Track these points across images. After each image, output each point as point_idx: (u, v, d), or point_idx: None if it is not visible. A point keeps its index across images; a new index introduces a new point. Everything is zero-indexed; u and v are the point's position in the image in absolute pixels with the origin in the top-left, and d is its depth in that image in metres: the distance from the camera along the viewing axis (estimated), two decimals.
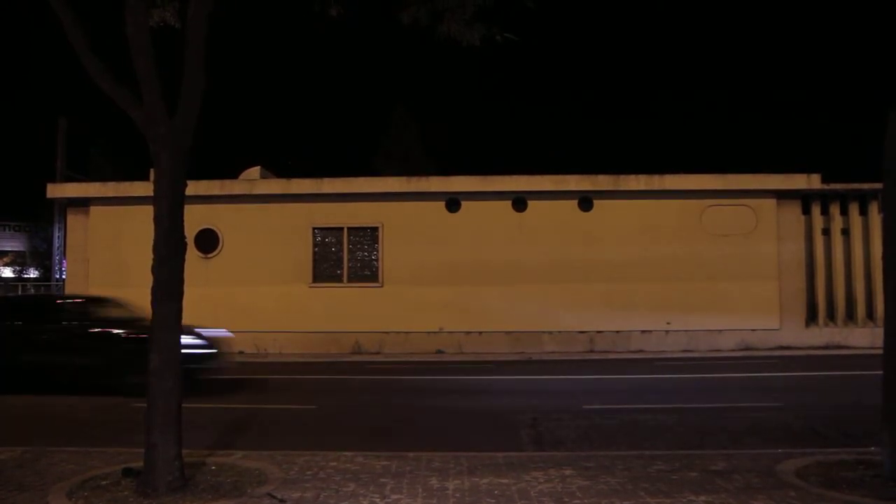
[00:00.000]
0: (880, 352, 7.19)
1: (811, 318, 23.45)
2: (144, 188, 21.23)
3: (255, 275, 23.46)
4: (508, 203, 23.47)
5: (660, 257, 22.82)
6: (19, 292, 30.77)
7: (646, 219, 23.15)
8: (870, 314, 23.20)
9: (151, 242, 6.88)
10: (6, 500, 6.53)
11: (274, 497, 6.45)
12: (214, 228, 23.72)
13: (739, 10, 68.70)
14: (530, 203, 23.45)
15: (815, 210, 23.70)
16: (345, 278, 23.62)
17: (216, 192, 23.44)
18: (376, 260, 23.61)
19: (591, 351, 22.42)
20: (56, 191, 25.70)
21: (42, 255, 54.36)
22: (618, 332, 22.70)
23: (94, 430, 10.36)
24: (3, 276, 56.72)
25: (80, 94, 61.98)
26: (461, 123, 64.88)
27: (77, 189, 25.72)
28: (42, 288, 36.17)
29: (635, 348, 22.51)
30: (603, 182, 23.17)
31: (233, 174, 25.65)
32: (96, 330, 14.40)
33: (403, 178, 24.33)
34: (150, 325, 6.84)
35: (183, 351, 6.85)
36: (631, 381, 16.16)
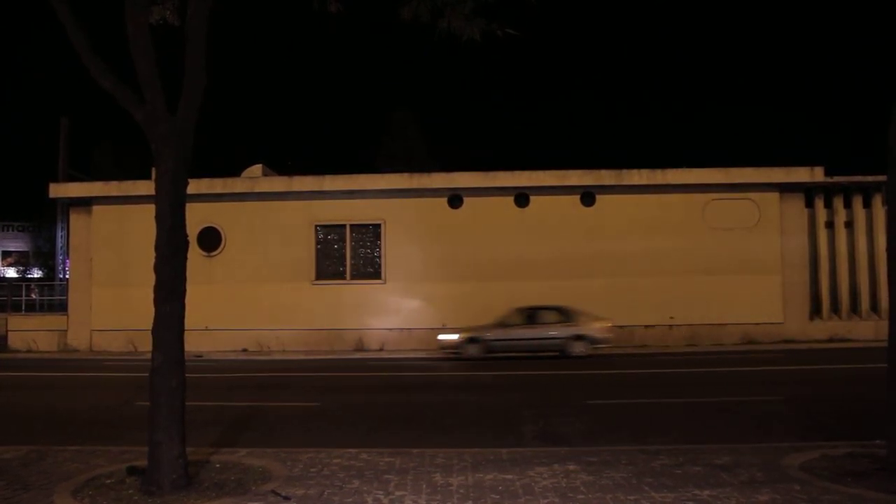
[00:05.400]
0: (884, 345, 7.17)
1: (815, 311, 23.40)
2: (147, 187, 21.20)
3: (257, 273, 23.48)
4: (510, 199, 23.44)
5: (662, 252, 22.78)
6: (23, 292, 30.80)
7: (648, 213, 23.11)
8: (874, 307, 23.15)
9: (154, 241, 6.88)
10: (12, 499, 6.54)
11: (278, 494, 6.46)
12: (217, 227, 23.72)
13: (744, 5, 68.48)
14: (532, 198, 23.42)
15: (819, 203, 23.63)
16: (347, 275, 23.62)
17: (218, 190, 23.43)
18: (379, 257, 23.61)
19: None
20: (58, 190, 25.72)
21: (45, 255, 54.47)
22: (621, 327, 22.62)
23: (98, 428, 10.38)
24: (7, 276, 56.83)
25: (82, 94, 62.07)
26: (463, 120, 64.91)
27: (79, 189, 25.74)
28: (45, 288, 36.22)
29: (639, 343, 22.47)
30: (605, 177, 23.13)
31: (235, 172, 25.66)
32: None
33: (405, 175, 24.32)
34: None
35: None
36: (634, 376, 16.15)
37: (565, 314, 20.18)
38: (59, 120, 34.74)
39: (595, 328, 19.84)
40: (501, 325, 20.22)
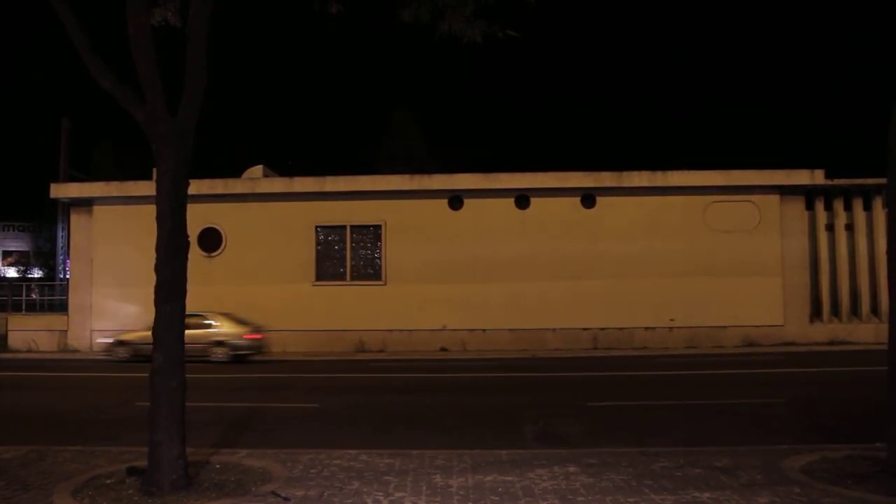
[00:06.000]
0: (885, 347, 7.17)
1: (815, 313, 23.40)
2: (147, 187, 21.16)
3: (258, 274, 23.48)
4: (511, 200, 23.44)
5: (663, 254, 22.78)
6: (24, 292, 30.79)
7: (649, 215, 23.11)
8: (874, 309, 23.14)
9: (155, 242, 6.88)
10: (11, 499, 6.53)
11: (278, 495, 6.45)
12: (217, 227, 23.73)
13: (744, 6, 68.52)
14: (533, 200, 23.42)
15: (819, 206, 23.64)
16: (348, 276, 23.63)
17: (219, 190, 23.44)
18: (379, 258, 23.61)
19: (595, 348, 22.39)
20: (59, 191, 25.72)
21: (46, 255, 54.47)
22: (621, 328, 22.68)
23: (98, 428, 10.37)
24: (8, 275, 56.85)
25: (83, 94, 62.09)
26: (464, 123, 64.93)
27: (80, 189, 25.74)
28: (46, 288, 36.20)
29: (639, 345, 22.47)
30: (606, 179, 23.13)
31: (235, 173, 25.66)
32: None
33: (406, 176, 24.32)
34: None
35: None
36: (635, 378, 16.14)
37: (213, 320, 20.66)
38: (59, 120, 34.72)
39: (237, 335, 20.41)
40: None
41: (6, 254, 62.41)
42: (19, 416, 11.65)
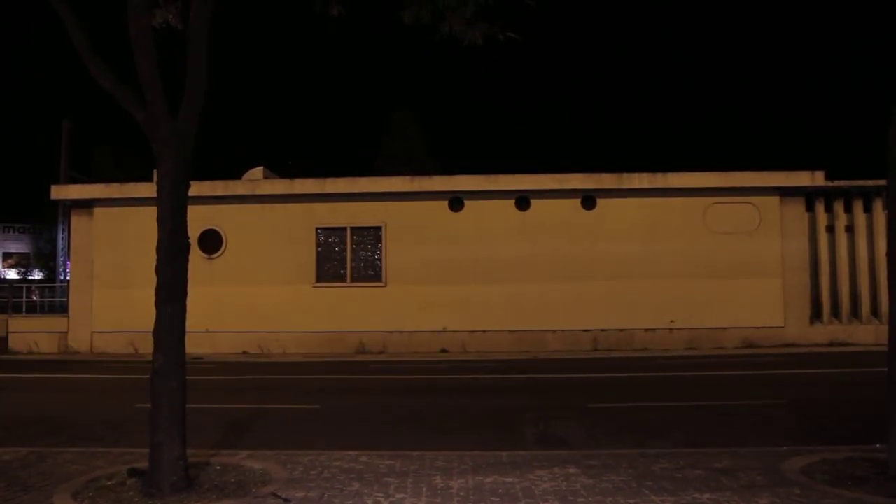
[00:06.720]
0: (885, 349, 7.17)
1: (815, 315, 23.38)
2: (148, 189, 21.22)
3: (258, 275, 23.47)
4: (511, 202, 23.44)
5: (663, 255, 22.77)
6: (24, 294, 30.79)
7: (649, 217, 23.10)
8: (874, 311, 23.13)
9: (155, 243, 6.89)
10: (12, 500, 6.54)
11: (278, 496, 6.46)
12: (218, 229, 23.73)
13: (744, 7, 68.53)
14: (533, 202, 23.42)
15: (819, 207, 23.62)
16: (348, 278, 23.62)
17: (219, 192, 23.44)
18: (380, 259, 23.61)
19: (596, 350, 22.38)
20: (60, 192, 25.72)
21: (46, 257, 54.51)
22: (622, 330, 22.66)
23: (99, 430, 10.38)
24: (8, 277, 56.86)
25: (83, 95, 62.12)
26: (464, 123, 64.98)
27: (81, 191, 25.74)
28: (46, 290, 36.22)
29: (639, 347, 22.46)
30: (606, 180, 23.12)
31: (236, 174, 25.66)
32: None
33: (406, 178, 24.32)
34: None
35: None
36: (635, 380, 16.14)
37: None
38: (59, 121, 34.80)
39: None
40: None
41: (6, 255, 62.45)
42: (20, 418, 11.65)
